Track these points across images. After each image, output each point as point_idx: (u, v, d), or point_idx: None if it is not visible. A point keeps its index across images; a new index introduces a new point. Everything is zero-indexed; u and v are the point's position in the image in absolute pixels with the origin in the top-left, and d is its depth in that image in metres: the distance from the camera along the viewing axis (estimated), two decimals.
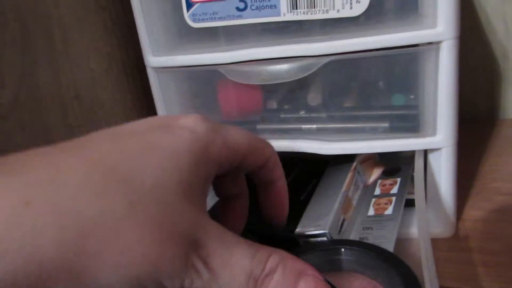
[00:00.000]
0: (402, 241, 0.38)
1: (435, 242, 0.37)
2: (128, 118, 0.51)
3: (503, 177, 0.50)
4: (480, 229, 0.42)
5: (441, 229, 0.41)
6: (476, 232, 0.42)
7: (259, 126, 0.44)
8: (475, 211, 0.45)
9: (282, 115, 0.44)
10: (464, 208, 0.45)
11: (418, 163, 0.38)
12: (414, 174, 0.37)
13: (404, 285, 0.28)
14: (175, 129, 0.22)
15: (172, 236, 0.19)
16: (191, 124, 0.22)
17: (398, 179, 0.43)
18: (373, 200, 0.41)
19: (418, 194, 0.35)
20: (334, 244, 0.34)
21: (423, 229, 0.31)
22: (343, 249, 0.33)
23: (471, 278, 0.37)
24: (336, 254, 0.33)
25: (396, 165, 0.46)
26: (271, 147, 0.28)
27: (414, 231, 0.40)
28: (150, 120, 0.23)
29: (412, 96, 0.42)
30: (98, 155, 0.19)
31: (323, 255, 0.33)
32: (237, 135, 0.25)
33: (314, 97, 0.43)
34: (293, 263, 0.22)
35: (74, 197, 0.17)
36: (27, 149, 0.25)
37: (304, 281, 0.21)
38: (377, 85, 0.40)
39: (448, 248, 0.41)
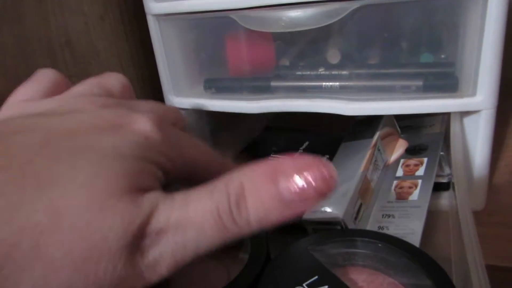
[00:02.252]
0: (430, 213, 0.34)
1: None
2: (125, 70, 0.46)
3: None
4: (510, 203, 0.39)
5: (471, 202, 0.37)
6: (506, 206, 0.38)
7: (273, 83, 0.40)
8: (504, 185, 0.41)
9: (299, 72, 0.40)
10: (492, 180, 0.42)
11: (455, 126, 0.34)
12: (451, 138, 0.33)
13: None
14: (127, 133, 0.19)
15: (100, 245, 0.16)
16: (147, 129, 0.20)
17: (425, 159, 0.37)
18: (395, 182, 0.36)
19: (456, 161, 0.31)
20: (349, 235, 0.29)
21: (464, 202, 0.27)
22: (360, 242, 0.28)
23: (502, 255, 0.33)
24: (352, 247, 0.28)
25: (421, 142, 0.40)
26: (230, 163, 0.24)
27: (442, 202, 0.36)
28: (96, 115, 0.19)
29: (443, 56, 0.37)
30: (19, 162, 0.16)
31: (336, 247, 0.28)
32: (195, 150, 0.22)
33: (334, 54, 0.39)
34: (260, 171, 0.18)
35: None
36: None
37: (282, 178, 0.18)
38: (411, 38, 0.36)
39: (478, 222, 0.37)
